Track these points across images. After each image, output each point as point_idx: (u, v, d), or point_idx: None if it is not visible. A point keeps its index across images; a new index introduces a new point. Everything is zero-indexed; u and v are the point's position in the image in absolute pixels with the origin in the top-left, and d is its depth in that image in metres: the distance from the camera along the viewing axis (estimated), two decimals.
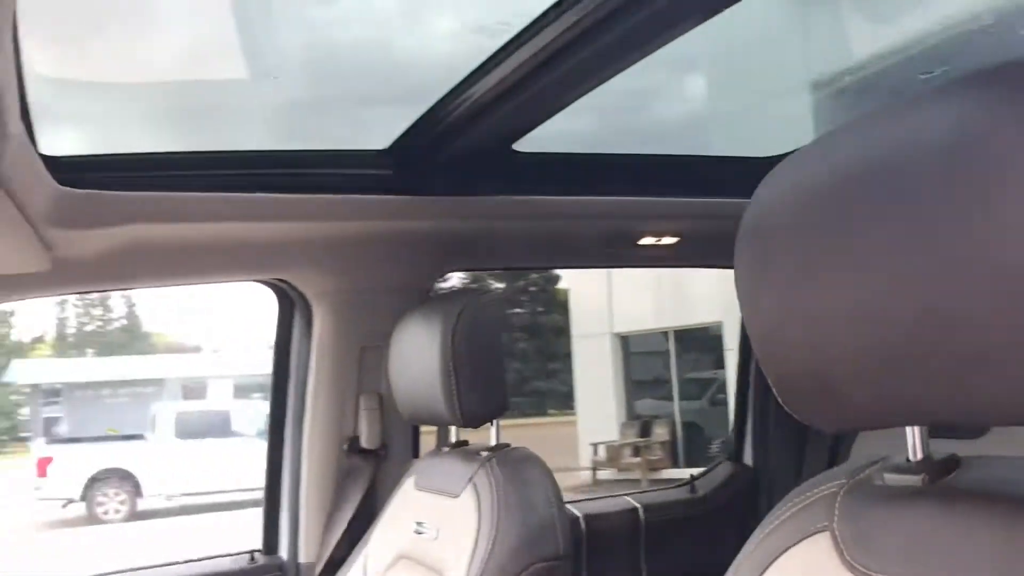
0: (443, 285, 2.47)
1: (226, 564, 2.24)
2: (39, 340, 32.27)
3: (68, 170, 1.63)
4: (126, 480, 14.28)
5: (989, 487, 0.82)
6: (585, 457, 15.28)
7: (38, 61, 1.54)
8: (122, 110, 1.85)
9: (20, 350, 28.82)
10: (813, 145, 0.83)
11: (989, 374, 0.68)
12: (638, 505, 2.60)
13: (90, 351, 32.31)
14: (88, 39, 1.74)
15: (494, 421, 1.82)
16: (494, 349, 1.80)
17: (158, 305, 35.28)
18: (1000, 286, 0.64)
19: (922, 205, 0.69)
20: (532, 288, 23.26)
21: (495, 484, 1.68)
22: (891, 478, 0.89)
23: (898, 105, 0.76)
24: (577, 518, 2.47)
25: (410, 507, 1.91)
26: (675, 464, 14.44)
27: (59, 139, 1.69)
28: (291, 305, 2.26)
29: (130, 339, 34.04)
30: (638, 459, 14.54)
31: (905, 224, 0.70)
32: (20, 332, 29.67)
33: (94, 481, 14.17)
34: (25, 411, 26.87)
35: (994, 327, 0.65)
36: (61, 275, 1.82)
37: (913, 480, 0.87)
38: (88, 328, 34.20)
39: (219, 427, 14.88)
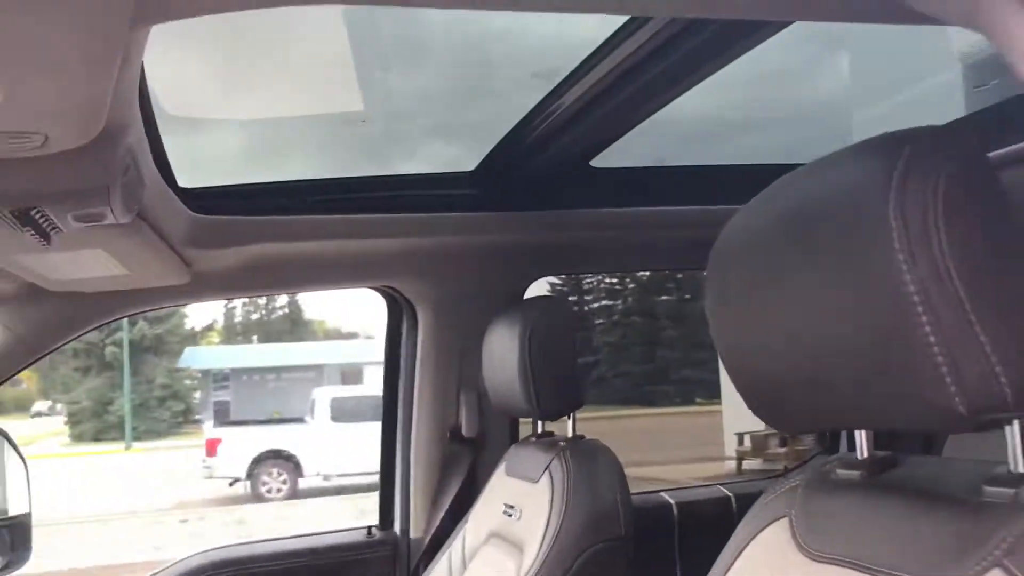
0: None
1: (347, 537, 2.50)
2: (209, 328, 34.22)
3: (201, 199, 1.92)
4: (287, 461, 14.94)
5: (915, 484, 0.96)
6: (731, 446, 15.14)
7: (176, 105, 1.82)
8: (250, 144, 2.12)
9: (193, 338, 30.63)
10: (764, 193, 0.99)
11: (892, 387, 0.83)
12: (730, 495, 2.72)
13: (255, 338, 34.06)
14: (222, 83, 2.01)
15: (571, 414, 2.02)
16: (567, 350, 1.99)
17: (318, 295, 36.57)
18: (887, 316, 0.80)
19: (831, 250, 0.85)
20: (679, 275, 23.02)
21: (567, 471, 1.87)
22: (841, 473, 1.04)
23: (821, 162, 0.91)
24: (671, 505, 2.62)
25: (501, 491, 2.12)
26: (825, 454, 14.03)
27: (195, 173, 1.99)
28: (399, 309, 2.50)
29: (292, 326, 35.64)
30: (784, 449, 14.28)
31: (819, 264, 0.86)
32: (193, 321, 31.50)
33: (258, 461, 14.90)
34: (198, 395, 28.53)
35: (890, 348, 0.81)
36: (199, 286, 2.12)
37: (856, 475, 1.02)
38: (254, 316, 36.04)
39: (372, 411, 15.39)
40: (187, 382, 28.08)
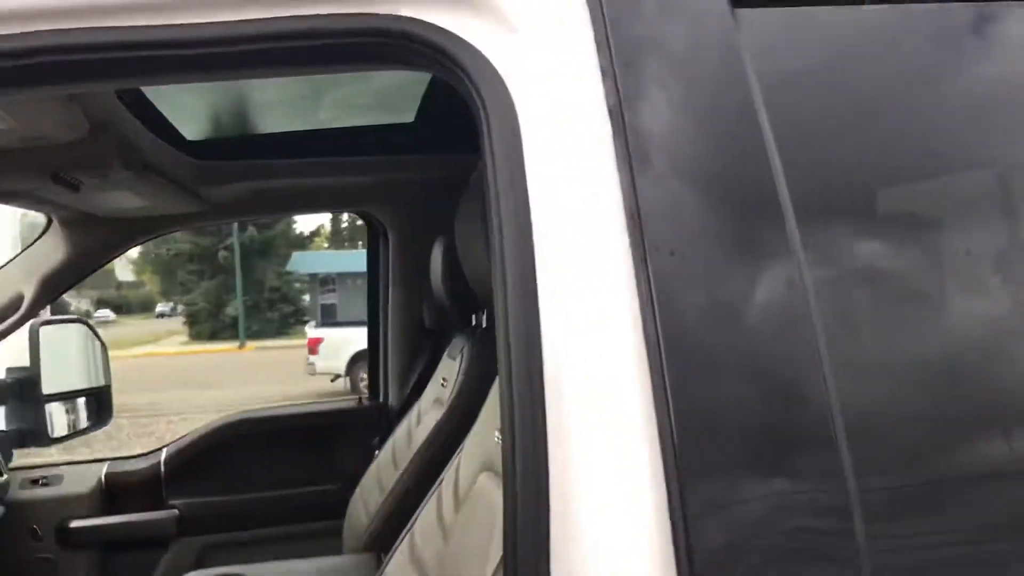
0: None
1: (344, 405, 3.22)
2: (316, 234, 35.61)
3: (202, 147, 2.57)
4: None
5: None
6: None
7: None
8: (242, 102, 2.70)
9: (301, 243, 31.97)
10: None
11: None
12: None
13: (360, 243, 35.27)
14: None
15: (484, 311, 2.64)
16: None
17: None
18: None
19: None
20: None
21: (471, 349, 2.50)
22: None
23: None
24: None
25: (442, 369, 2.76)
26: None
27: (198, 127, 2.62)
28: (375, 229, 3.16)
29: None
30: None
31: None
32: (301, 226, 32.87)
33: (356, 360, 15.71)
34: (307, 298, 29.94)
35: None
36: (211, 212, 2.78)
37: None
38: (359, 223, 37.10)
39: None
40: (296, 285, 29.43)
